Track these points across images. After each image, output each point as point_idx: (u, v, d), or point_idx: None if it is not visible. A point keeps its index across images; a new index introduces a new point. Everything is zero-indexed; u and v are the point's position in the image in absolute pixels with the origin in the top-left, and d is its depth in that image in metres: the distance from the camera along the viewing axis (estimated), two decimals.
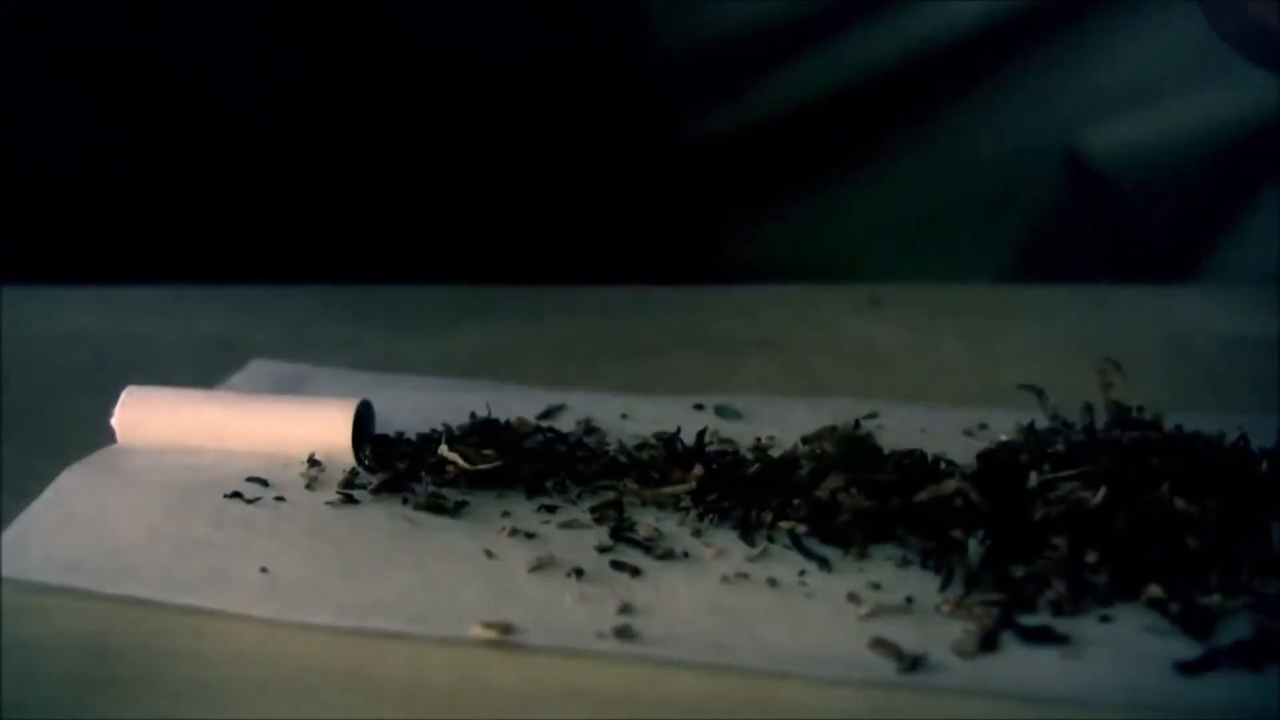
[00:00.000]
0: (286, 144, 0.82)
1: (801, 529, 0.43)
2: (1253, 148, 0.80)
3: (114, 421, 0.49)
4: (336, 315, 0.68)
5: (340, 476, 0.47)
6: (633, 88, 0.83)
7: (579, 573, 0.41)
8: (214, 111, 0.82)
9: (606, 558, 0.42)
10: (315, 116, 0.83)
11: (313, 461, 0.47)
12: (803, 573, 0.41)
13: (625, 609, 0.39)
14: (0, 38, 0.80)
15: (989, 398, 0.54)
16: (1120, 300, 0.73)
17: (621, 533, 0.43)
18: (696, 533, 0.44)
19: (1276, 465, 0.46)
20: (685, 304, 0.70)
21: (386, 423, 0.50)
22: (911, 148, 0.84)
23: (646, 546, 0.42)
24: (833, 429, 0.47)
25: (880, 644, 0.37)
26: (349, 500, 0.45)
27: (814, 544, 0.42)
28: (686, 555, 0.42)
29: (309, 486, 0.46)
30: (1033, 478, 0.43)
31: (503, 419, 0.51)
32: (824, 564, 0.41)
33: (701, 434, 0.49)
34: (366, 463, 0.47)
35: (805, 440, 0.47)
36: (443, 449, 0.47)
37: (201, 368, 0.57)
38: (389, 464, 0.47)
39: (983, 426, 0.51)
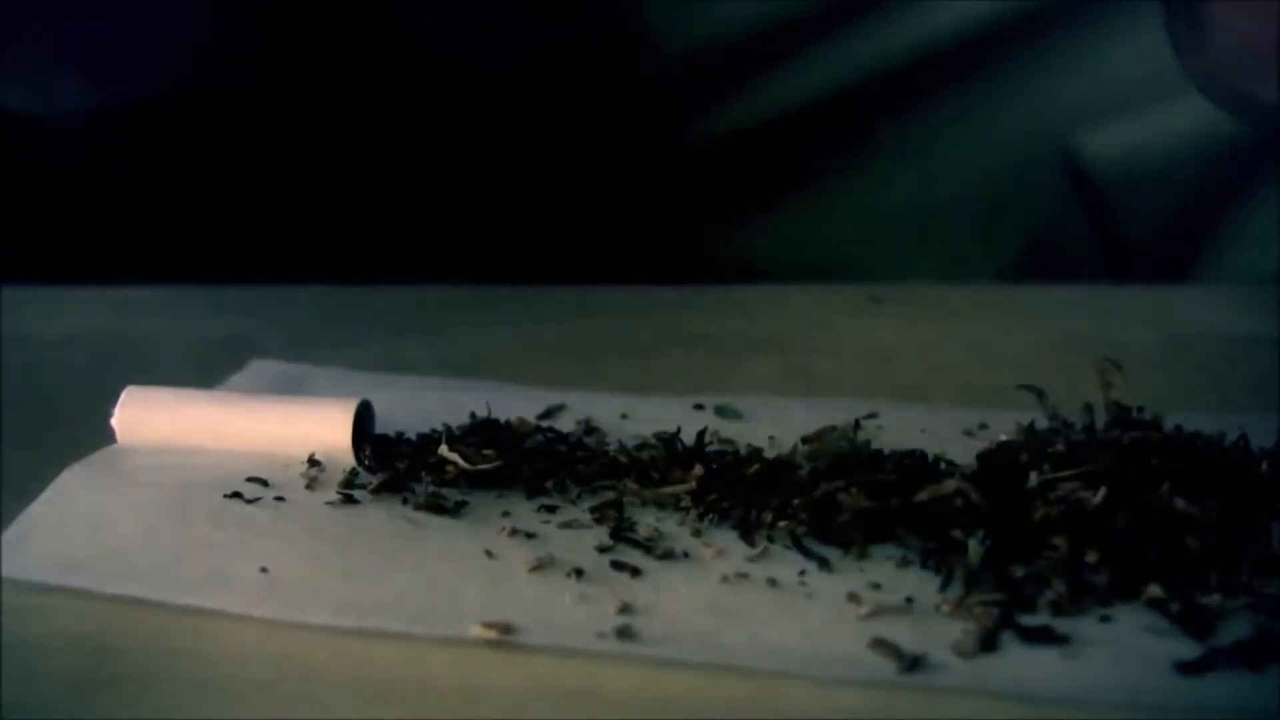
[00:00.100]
0: (286, 144, 0.82)
1: (801, 529, 0.43)
2: (1250, 148, 0.80)
3: (114, 421, 0.49)
4: (336, 315, 0.68)
5: (340, 476, 0.47)
6: (632, 88, 0.83)
7: (579, 573, 0.41)
8: (213, 111, 0.82)
9: (606, 558, 0.42)
10: (315, 117, 0.83)
11: (313, 461, 0.47)
12: (803, 573, 0.41)
13: (625, 609, 0.39)
14: (1, 37, 0.79)
15: (989, 398, 0.54)
16: (1120, 300, 0.73)
17: (621, 533, 0.43)
18: (696, 533, 0.44)
19: (1276, 465, 0.46)
20: (685, 304, 0.70)
21: (386, 423, 0.50)
22: (911, 148, 0.84)
23: (646, 546, 0.42)
24: (832, 428, 0.47)
25: (880, 644, 0.37)
26: (349, 500, 0.45)
27: (814, 544, 0.42)
28: (686, 555, 0.42)
29: (309, 486, 0.46)
30: (1033, 478, 0.43)
31: (503, 419, 0.51)
32: (824, 564, 0.41)
33: (701, 434, 0.49)
34: (366, 463, 0.47)
35: (805, 440, 0.47)
36: (443, 449, 0.47)
37: (201, 368, 0.57)
38: (389, 464, 0.47)
39: (983, 426, 0.51)
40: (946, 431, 0.51)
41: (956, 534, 0.41)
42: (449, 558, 0.42)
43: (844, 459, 0.45)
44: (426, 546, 0.42)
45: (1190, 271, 0.83)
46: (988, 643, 0.37)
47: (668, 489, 0.46)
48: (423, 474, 0.47)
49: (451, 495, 0.46)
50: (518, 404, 0.53)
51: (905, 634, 0.37)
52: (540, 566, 0.41)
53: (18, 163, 0.82)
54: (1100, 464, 0.44)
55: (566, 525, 0.44)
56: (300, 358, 0.59)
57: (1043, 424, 0.48)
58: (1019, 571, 0.40)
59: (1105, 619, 0.38)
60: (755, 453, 0.48)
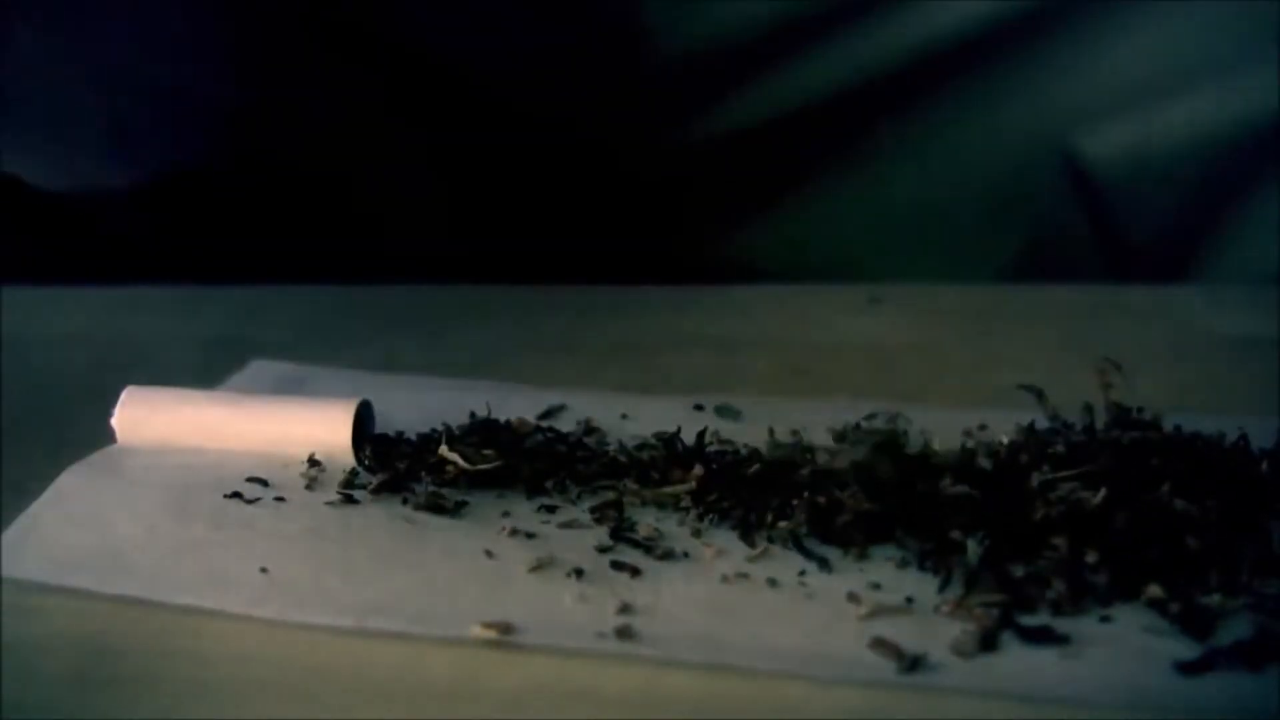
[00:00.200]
0: (286, 144, 0.82)
1: (802, 529, 0.43)
2: (1249, 148, 0.80)
3: (114, 421, 0.49)
4: (336, 315, 0.68)
5: (340, 476, 0.47)
6: (633, 88, 0.83)
7: (579, 573, 0.41)
8: (214, 112, 0.82)
9: (606, 558, 0.42)
10: (315, 117, 0.83)
11: (313, 461, 0.47)
12: (803, 573, 0.41)
13: (625, 609, 0.39)
14: (2, 37, 0.80)
15: (989, 398, 0.54)
16: (1120, 300, 0.73)
17: (621, 533, 0.43)
18: (696, 533, 0.44)
19: (1276, 465, 0.46)
20: (685, 304, 0.70)
21: (386, 423, 0.50)
22: (911, 148, 0.84)
23: (646, 546, 0.42)
24: (872, 431, 0.47)
25: (880, 644, 0.37)
26: (349, 500, 0.45)
27: (814, 544, 0.42)
28: (686, 555, 0.42)
29: (309, 486, 0.46)
30: (1033, 478, 0.43)
31: (503, 419, 0.51)
32: (824, 564, 0.41)
33: (701, 434, 0.49)
34: (366, 463, 0.47)
35: (839, 438, 0.47)
36: (443, 449, 0.47)
37: (201, 368, 0.57)
38: (389, 464, 0.47)
39: (982, 427, 0.51)
40: (946, 432, 0.51)
41: (956, 534, 0.41)
42: (449, 558, 0.42)
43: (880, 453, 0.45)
44: (426, 546, 0.42)
45: (1190, 271, 0.83)
46: (988, 643, 0.37)
47: (668, 489, 0.46)
48: (423, 474, 0.47)
49: (451, 495, 0.46)
50: (518, 404, 0.53)
51: (905, 634, 0.37)
52: (540, 566, 0.41)
53: (18, 163, 0.82)
54: (1100, 464, 0.44)
55: (566, 525, 0.44)
56: (300, 358, 0.59)
57: (1043, 424, 0.48)
58: (1019, 571, 0.40)
59: (1105, 619, 0.38)
60: (755, 453, 0.48)
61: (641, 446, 0.49)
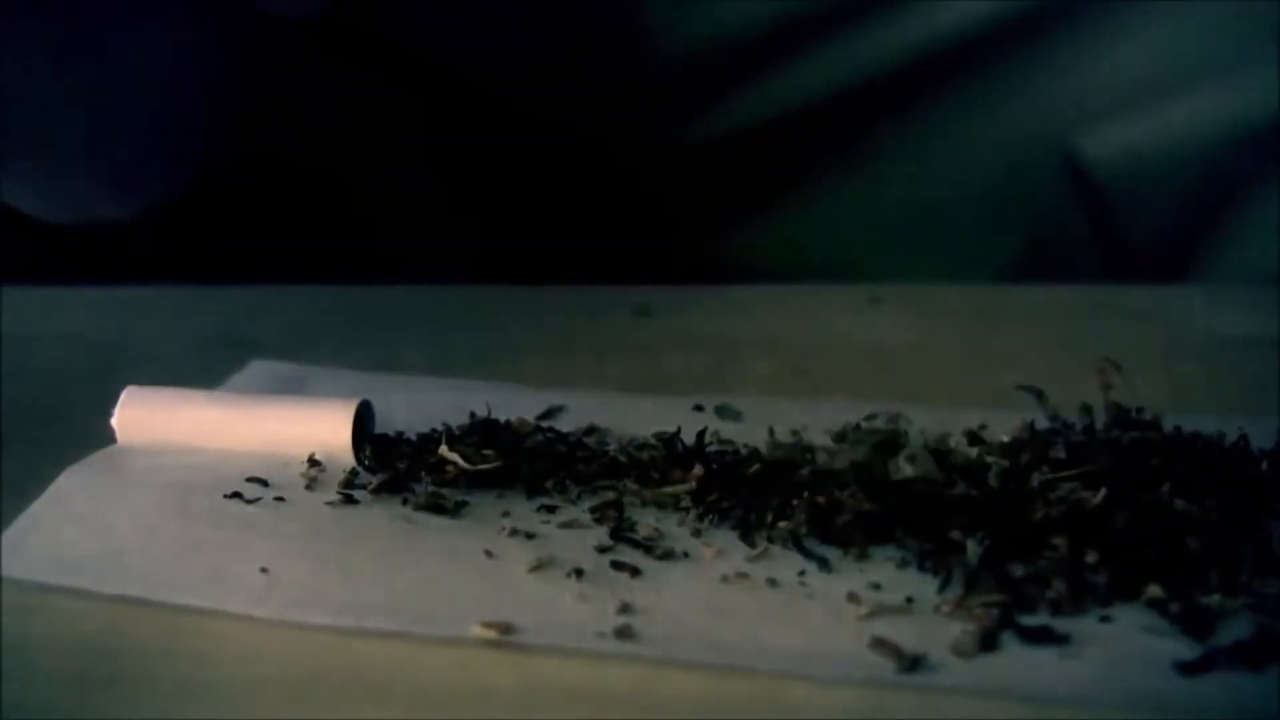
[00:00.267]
0: (286, 144, 0.82)
1: (802, 529, 0.43)
2: (1249, 148, 0.80)
3: (114, 421, 0.49)
4: (336, 315, 0.68)
5: (340, 476, 0.47)
6: (633, 88, 0.83)
7: (579, 573, 0.41)
8: (214, 112, 0.82)
9: (606, 558, 0.42)
10: (315, 116, 0.83)
11: (313, 461, 0.47)
12: (803, 573, 0.41)
13: (625, 609, 0.39)
14: (2, 37, 0.79)
15: (989, 398, 0.54)
16: (1120, 300, 0.73)
17: (621, 533, 0.43)
18: (696, 533, 0.44)
19: (1276, 465, 0.46)
20: (685, 304, 0.70)
21: (386, 423, 0.50)
22: (911, 148, 0.84)
23: (646, 546, 0.42)
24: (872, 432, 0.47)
25: (880, 644, 0.37)
26: (349, 500, 0.45)
27: (814, 544, 0.42)
28: (686, 555, 0.42)
29: (309, 486, 0.46)
30: (1033, 478, 0.43)
31: (503, 419, 0.51)
32: (824, 564, 0.41)
33: (701, 434, 0.49)
34: (366, 463, 0.47)
35: (839, 439, 0.47)
36: (443, 449, 0.47)
37: (201, 368, 0.57)
38: (389, 464, 0.47)
39: (982, 427, 0.51)
40: (946, 432, 0.51)
41: (956, 534, 0.41)
42: (449, 558, 0.42)
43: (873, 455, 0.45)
44: (426, 546, 0.42)
45: (1190, 271, 0.83)
46: (988, 643, 0.37)
47: (668, 489, 0.46)
48: (423, 474, 0.47)
49: (451, 495, 0.46)
50: (518, 404, 0.53)
51: (905, 634, 0.37)
52: (540, 566, 0.41)
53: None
54: (1100, 464, 0.44)
55: (566, 525, 0.44)
56: (300, 358, 0.59)
57: (1043, 424, 0.48)
58: (1019, 571, 0.40)
59: (1105, 619, 0.38)
60: (755, 453, 0.48)
61: (641, 446, 0.49)
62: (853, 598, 0.40)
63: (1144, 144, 0.82)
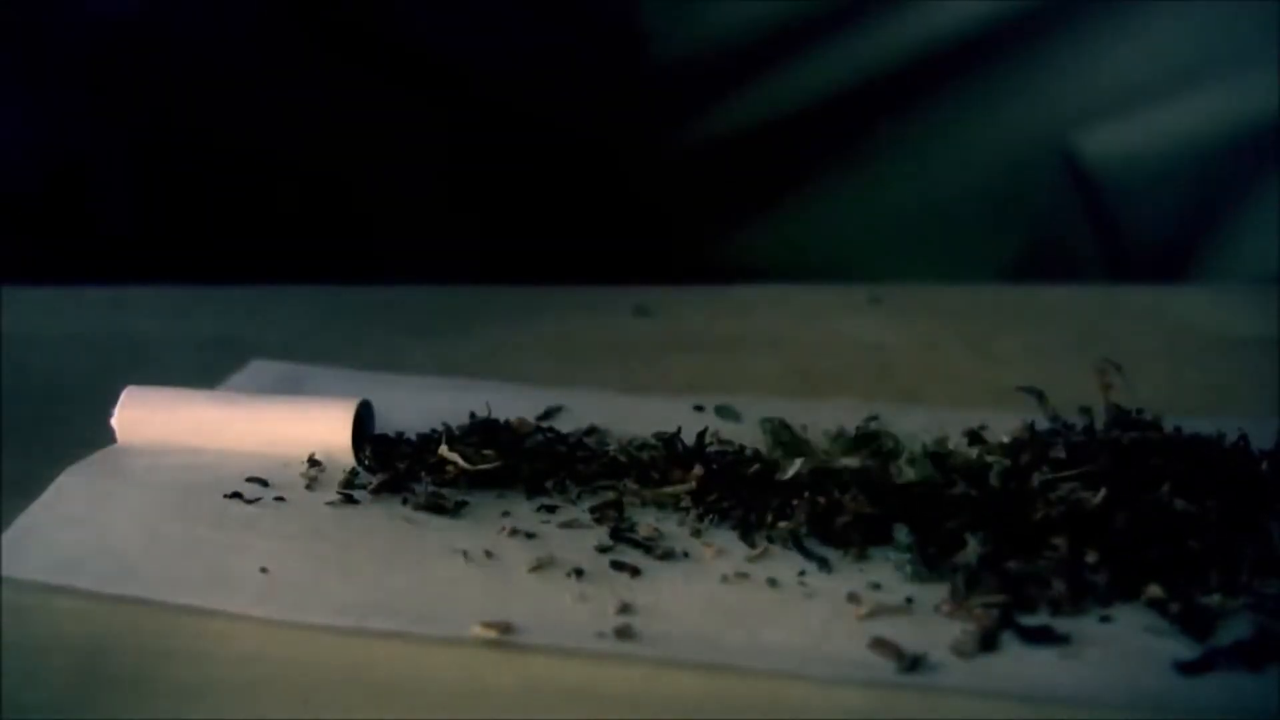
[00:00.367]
0: (286, 144, 0.82)
1: (802, 529, 0.43)
2: (1249, 149, 0.80)
3: (114, 421, 0.49)
4: (336, 315, 0.68)
5: (340, 476, 0.47)
6: (633, 89, 0.83)
7: (579, 573, 0.41)
8: (215, 112, 0.82)
9: (606, 558, 0.42)
10: (315, 117, 0.83)
11: (313, 461, 0.47)
12: (803, 573, 0.41)
13: (625, 609, 0.39)
14: (1, 38, 0.80)
15: (989, 398, 0.54)
16: (1120, 300, 0.73)
17: (621, 533, 0.43)
18: (696, 533, 0.44)
19: (1276, 465, 0.46)
20: (685, 304, 0.70)
21: (386, 423, 0.50)
22: (911, 149, 0.84)
23: (646, 546, 0.42)
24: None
25: (880, 644, 0.37)
26: (349, 500, 0.45)
27: (814, 544, 0.42)
28: (686, 555, 0.42)
29: (309, 486, 0.46)
30: (1033, 478, 0.43)
31: (503, 419, 0.51)
32: (824, 564, 0.41)
33: (701, 434, 0.49)
34: (366, 463, 0.47)
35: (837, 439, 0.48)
36: (443, 449, 0.47)
37: (201, 368, 0.57)
38: (389, 464, 0.47)
39: (982, 428, 0.51)
40: (946, 431, 0.51)
41: (956, 534, 0.41)
42: (449, 558, 0.42)
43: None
44: (426, 546, 0.42)
45: (1190, 271, 0.83)
46: (988, 643, 0.37)
47: (668, 489, 0.46)
48: (423, 474, 0.47)
49: (451, 495, 0.46)
50: (518, 404, 0.53)
51: (905, 634, 0.37)
52: (540, 566, 0.41)
53: (18, 163, 0.82)
54: (1100, 465, 0.44)
55: (566, 525, 0.44)
56: (300, 358, 0.59)
57: (1043, 425, 0.48)
58: (1019, 571, 0.40)
59: (1105, 619, 0.38)
60: (755, 453, 0.48)
61: (641, 446, 0.49)
62: (853, 598, 0.40)
63: (1144, 144, 0.82)
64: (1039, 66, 0.82)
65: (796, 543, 0.42)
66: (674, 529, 0.44)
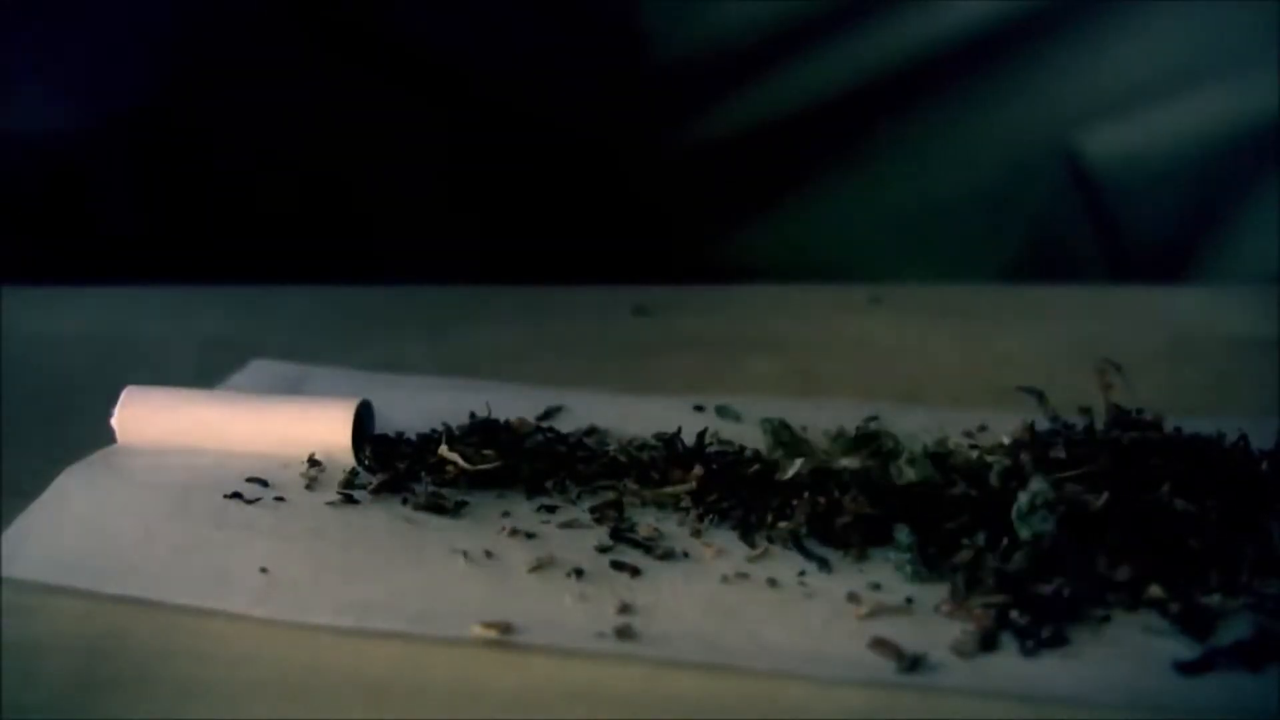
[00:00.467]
0: (286, 144, 0.82)
1: (802, 529, 0.43)
2: (1249, 149, 0.80)
3: (114, 421, 0.49)
4: (336, 315, 0.68)
5: (340, 476, 0.47)
6: (634, 89, 0.83)
7: (579, 573, 0.41)
8: (215, 113, 0.82)
9: (606, 558, 0.42)
10: (315, 117, 0.83)
11: (313, 461, 0.47)
12: (802, 573, 0.41)
13: (625, 609, 0.39)
14: (1, 38, 0.80)
15: (989, 398, 0.54)
16: (1120, 300, 0.73)
17: (621, 533, 0.43)
18: (696, 533, 0.44)
19: (1276, 465, 0.46)
20: (685, 304, 0.70)
21: (386, 423, 0.50)
22: (911, 149, 0.84)
23: (646, 546, 0.42)
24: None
25: (880, 644, 0.37)
26: (349, 500, 0.45)
27: (814, 544, 0.42)
28: (686, 555, 0.42)
29: (309, 486, 0.46)
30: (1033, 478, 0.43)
31: (503, 419, 0.51)
32: (824, 564, 0.41)
33: (701, 434, 0.49)
34: (366, 463, 0.47)
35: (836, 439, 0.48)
36: (443, 449, 0.47)
37: (201, 368, 0.57)
38: (389, 464, 0.47)
39: (982, 428, 0.51)
40: (946, 432, 0.51)
41: (955, 531, 0.41)
42: (449, 558, 0.42)
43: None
44: (426, 546, 0.42)
45: (1190, 271, 0.83)
46: (988, 643, 0.37)
47: (668, 489, 0.46)
48: (423, 474, 0.47)
49: (451, 495, 0.46)
50: (518, 404, 0.53)
51: (905, 634, 0.37)
52: (540, 566, 0.41)
53: (17, 163, 0.82)
54: (1100, 465, 0.44)
55: (566, 525, 0.44)
56: (300, 358, 0.59)
57: (1043, 425, 0.48)
58: (1019, 571, 0.40)
59: (1105, 619, 0.38)
60: (755, 453, 0.48)
61: (641, 446, 0.49)
62: (853, 598, 0.40)
63: (1144, 144, 0.82)
64: (1039, 66, 0.82)
65: (796, 543, 0.42)
66: (674, 529, 0.44)
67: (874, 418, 0.52)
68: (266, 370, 0.57)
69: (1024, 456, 0.45)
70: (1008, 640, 0.37)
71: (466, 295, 0.71)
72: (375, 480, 0.46)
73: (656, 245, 0.83)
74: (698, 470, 0.46)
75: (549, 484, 0.47)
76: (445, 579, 0.40)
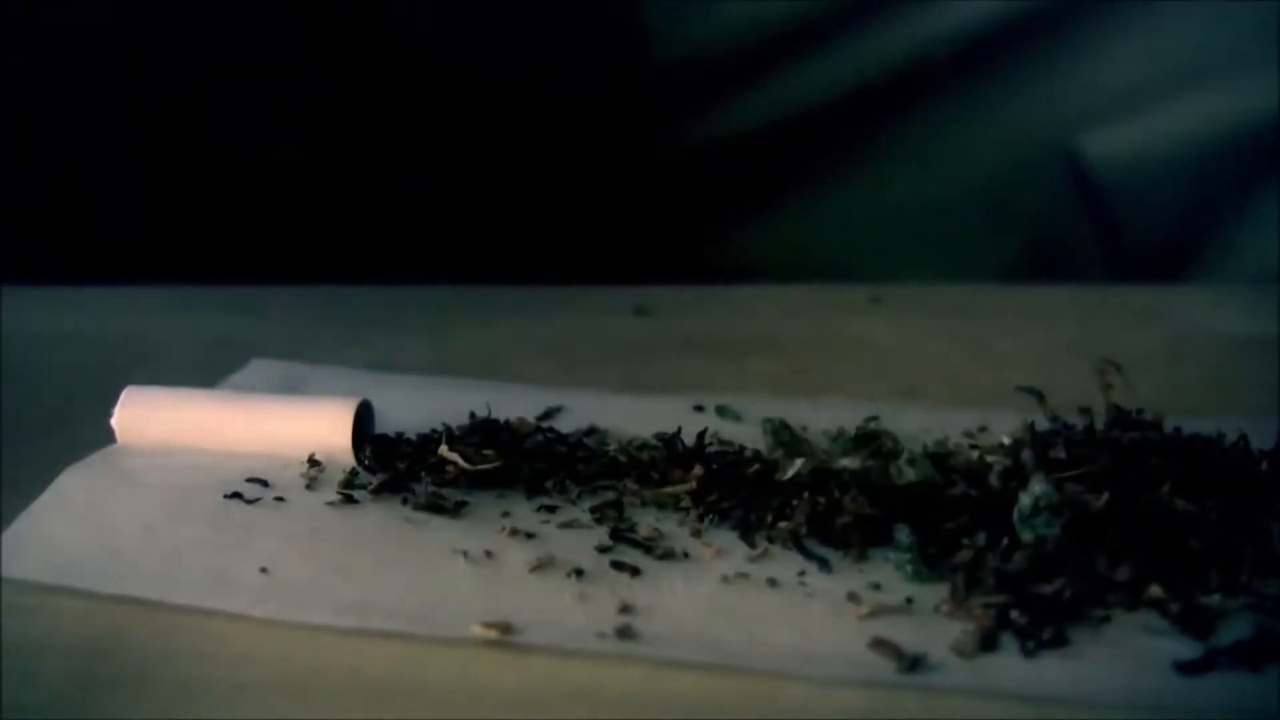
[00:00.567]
0: (286, 144, 0.82)
1: (802, 529, 0.43)
2: (1249, 149, 0.80)
3: (114, 421, 0.49)
4: (336, 315, 0.68)
5: (340, 476, 0.47)
6: (635, 90, 0.83)
7: (579, 573, 0.41)
8: (215, 113, 0.82)
9: (606, 558, 0.42)
10: (315, 117, 0.83)
11: (313, 461, 0.47)
12: (803, 573, 0.41)
13: (625, 609, 0.39)
14: (3, 40, 0.80)
15: (989, 398, 0.54)
16: (1120, 300, 0.73)
17: (621, 533, 0.43)
18: (696, 533, 0.44)
19: (1276, 465, 0.46)
20: (685, 304, 0.70)
21: (386, 423, 0.50)
22: (912, 149, 0.84)
23: (646, 546, 0.42)
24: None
25: (880, 644, 0.37)
26: (349, 500, 0.45)
27: (814, 544, 0.42)
28: (686, 555, 0.42)
29: (309, 486, 0.46)
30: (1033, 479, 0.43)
31: (503, 419, 0.51)
32: (824, 564, 0.41)
33: (701, 434, 0.49)
34: (366, 463, 0.47)
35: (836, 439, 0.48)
36: (443, 449, 0.47)
37: (201, 368, 0.57)
38: (389, 464, 0.47)
39: (982, 429, 0.51)
40: (946, 432, 0.51)
41: (955, 531, 0.41)
42: (449, 558, 0.42)
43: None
44: (426, 546, 0.42)
45: (1190, 271, 0.83)
46: (988, 643, 0.37)
47: (668, 489, 0.46)
48: (423, 474, 0.47)
49: (451, 495, 0.46)
50: (518, 404, 0.53)
51: (905, 634, 0.37)
52: (540, 566, 0.41)
53: (19, 163, 0.82)
54: (1100, 465, 0.44)
55: (566, 525, 0.44)
56: (300, 358, 0.59)
57: (1043, 425, 0.48)
58: (1019, 571, 0.40)
59: (1105, 619, 0.38)
60: (755, 453, 0.48)
61: (641, 446, 0.49)
62: (853, 598, 0.40)
63: (1145, 145, 0.82)
64: (1040, 68, 0.82)
65: (796, 543, 0.42)
66: (674, 529, 0.44)
67: (874, 418, 0.52)
68: (266, 370, 0.57)
69: (1025, 456, 0.45)
70: (1008, 640, 0.37)
71: (466, 295, 0.71)
72: (375, 480, 0.46)
73: (656, 245, 0.83)
74: (698, 470, 0.46)
75: (549, 484, 0.47)
76: (445, 579, 0.40)
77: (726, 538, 0.43)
